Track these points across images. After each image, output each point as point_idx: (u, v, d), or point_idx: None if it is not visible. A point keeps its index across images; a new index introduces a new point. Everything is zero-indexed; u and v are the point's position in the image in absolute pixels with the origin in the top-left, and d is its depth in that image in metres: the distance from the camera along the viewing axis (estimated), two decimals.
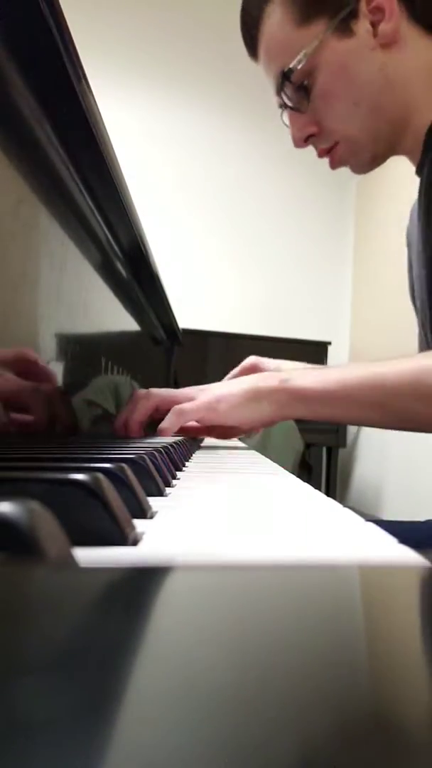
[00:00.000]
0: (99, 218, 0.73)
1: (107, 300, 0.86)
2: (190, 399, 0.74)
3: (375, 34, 0.74)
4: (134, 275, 0.98)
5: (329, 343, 2.67)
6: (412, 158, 0.82)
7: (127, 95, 2.66)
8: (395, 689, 0.08)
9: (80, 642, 0.09)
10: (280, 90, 0.78)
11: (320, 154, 0.83)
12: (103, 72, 2.29)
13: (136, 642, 0.09)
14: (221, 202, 2.88)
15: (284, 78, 0.76)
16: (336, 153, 0.82)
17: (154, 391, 0.77)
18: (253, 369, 0.87)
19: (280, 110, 0.83)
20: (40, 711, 0.07)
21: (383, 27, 0.74)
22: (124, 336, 1.03)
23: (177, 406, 0.73)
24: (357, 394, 0.68)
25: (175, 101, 2.80)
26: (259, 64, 0.82)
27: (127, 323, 1.05)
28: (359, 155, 0.81)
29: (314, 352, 2.59)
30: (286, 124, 0.84)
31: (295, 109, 0.79)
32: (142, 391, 0.78)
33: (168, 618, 0.11)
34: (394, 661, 0.10)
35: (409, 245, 0.97)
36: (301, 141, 0.82)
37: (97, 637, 0.10)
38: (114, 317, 0.92)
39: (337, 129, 0.79)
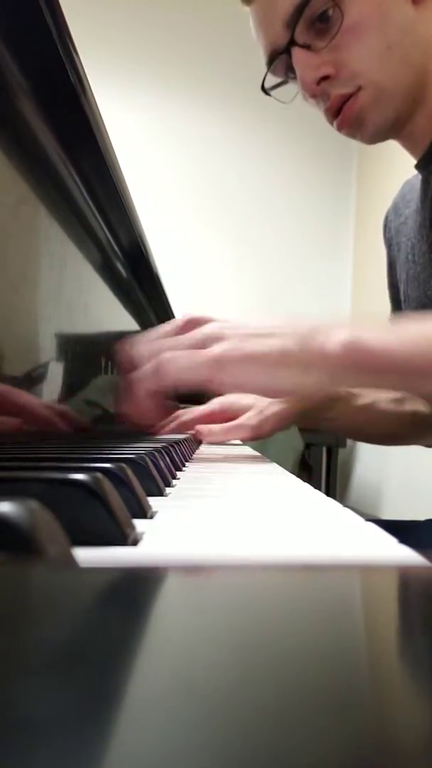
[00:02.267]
0: (99, 218, 0.73)
1: (107, 300, 0.86)
2: (200, 346, 0.53)
3: None
4: (134, 275, 0.98)
5: None
6: (414, 144, 0.74)
7: (127, 95, 2.66)
8: (396, 689, 0.08)
9: (80, 642, 0.09)
10: (294, 20, 0.66)
11: (333, 103, 0.69)
12: (104, 71, 2.29)
13: (136, 642, 0.09)
14: (221, 202, 2.88)
15: (306, 3, 0.64)
16: (356, 102, 0.68)
17: (153, 342, 0.56)
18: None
19: (267, 65, 0.71)
20: (40, 711, 0.07)
21: None
22: (124, 336, 1.03)
23: (160, 354, 0.53)
24: None
25: (175, 101, 2.80)
26: (253, 4, 0.69)
27: (127, 323, 1.05)
28: (381, 108, 0.68)
29: None
30: (266, 90, 0.73)
31: (306, 47, 0.67)
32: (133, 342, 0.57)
33: (168, 618, 0.11)
34: (395, 661, 0.10)
35: (390, 243, 0.93)
36: (314, 83, 0.68)
37: (96, 637, 0.10)
38: (114, 317, 0.92)
39: (366, 70, 0.67)
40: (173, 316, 1.41)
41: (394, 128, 0.71)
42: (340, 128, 0.71)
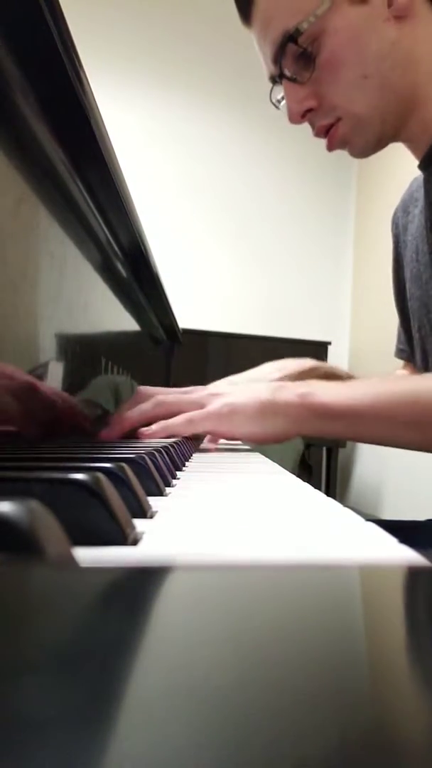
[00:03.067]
0: (99, 218, 0.73)
1: (107, 300, 0.86)
2: (200, 406, 0.68)
3: (390, 4, 0.68)
4: (134, 275, 0.98)
5: (329, 343, 2.67)
6: (414, 147, 0.76)
7: (127, 95, 2.66)
8: (396, 689, 0.08)
9: (80, 642, 0.09)
10: (278, 57, 0.70)
11: (318, 132, 0.75)
12: (104, 71, 2.29)
13: (136, 642, 0.09)
14: (221, 202, 2.88)
15: (287, 42, 0.69)
16: (337, 131, 0.73)
17: (161, 397, 0.71)
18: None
19: (271, 85, 0.76)
20: (40, 711, 0.07)
21: None
22: (124, 336, 1.03)
23: (187, 415, 0.67)
24: (392, 411, 0.61)
25: (175, 101, 2.80)
26: (252, 29, 0.74)
27: (127, 323, 1.05)
28: (363, 135, 0.73)
29: (314, 352, 2.58)
30: (274, 104, 0.78)
31: (293, 80, 0.71)
32: (147, 390, 0.73)
33: (168, 618, 0.11)
34: (395, 661, 0.10)
35: (397, 240, 0.93)
36: (298, 116, 0.74)
37: (97, 637, 0.10)
38: (114, 317, 0.92)
39: (342, 103, 0.71)
40: (173, 316, 1.41)
41: (381, 143, 0.75)
42: (328, 150, 0.77)
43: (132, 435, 0.71)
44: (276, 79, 0.74)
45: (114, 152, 0.63)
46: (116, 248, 0.84)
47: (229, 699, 0.07)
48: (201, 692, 0.08)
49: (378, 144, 0.74)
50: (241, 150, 2.91)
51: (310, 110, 0.73)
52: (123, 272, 0.92)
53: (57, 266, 0.61)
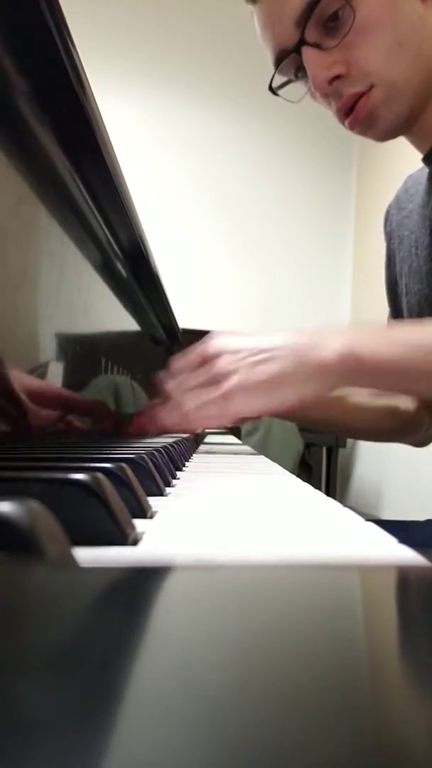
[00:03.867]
0: (99, 218, 0.73)
1: (107, 300, 0.86)
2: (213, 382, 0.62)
3: None
4: (134, 275, 0.98)
5: None
6: (421, 139, 0.74)
7: (127, 94, 2.66)
8: (396, 689, 0.08)
9: (80, 642, 0.09)
10: (303, 20, 0.66)
11: (346, 102, 0.69)
12: (103, 71, 2.29)
13: (136, 642, 0.09)
14: (221, 201, 2.88)
15: (316, 3, 0.64)
16: (368, 100, 0.68)
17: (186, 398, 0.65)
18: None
19: (275, 66, 0.71)
20: (39, 711, 0.07)
21: None
22: (124, 336, 1.03)
23: (183, 403, 0.63)
24: None
25: (175, 100, 2.80)
26: (259, 4, 0.69)
27: (127, 323, 1.05)
28: (395, 106, 0.68)
29: None
30: (272, 90, 0.74)
31: (317, 46, 0.67)
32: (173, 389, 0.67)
33: (168, 618, 0.11)
34: (395, 660, 0.10)
35: (390, 236, 0.92)
36: (326, 82, 0.68)
37: (96, 637, 0.10)
38: (114, 317, 0.92)
39: (378, 69, 0.67)
40: (173, 316, 1.41)
41: (406, 125, 0.71)
42: (352, 127, 0.71)
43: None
44: (289, 52, 0.68)
45: (114, 152, 0.63)
46: (116, 248, 0.84)
47: (229, 699, 0.07)
48: (201, 692, 0.08)
49: (406, 121, 0.70)
50: (242, 149, 2.91)
51: (337, 77, 0.68)
52: (123, 272, 0.92)
53: (57, 266, 0.61)
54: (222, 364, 0.62)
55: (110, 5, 2.68)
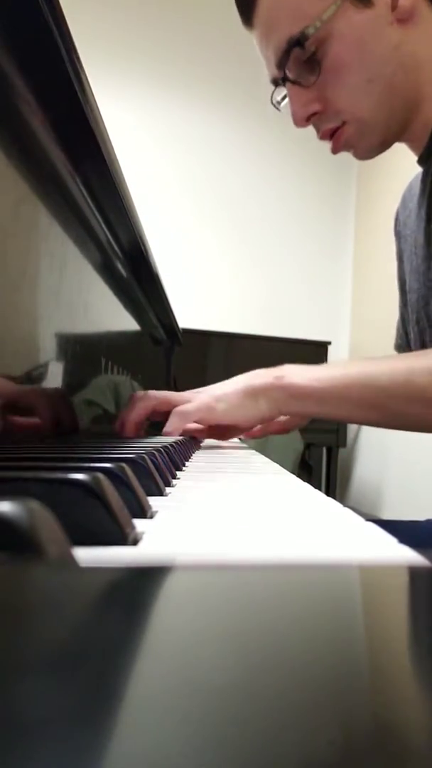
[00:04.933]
0: (99, 218, 0.73)
1: (107, 300, 0.86)
2: (187, 401, 0.75)
3: (393, 7, 0.69)
4: (134, 275, 0.98)
5: (329, 343, 2.67)
6: (414, 146, 0.77)
7: (127, 95, 2.66)
8: (396, 689, 0.08)
9: (80, 642, 0.09)
10: (282, 61, 0.70)
11: (323, 136, 0.75)
12: (104, 72, 2.29)
13: (136, 642, 0.09)
14: (221, 202, 2.88)
15: (292, 46, 0.69)
16: (342, 135, 0.74)
17: (152, 393, 0.77)
18: None
19: (272, 87, 0.76)
20: (39, 711, 0.07)
21: (402, 1, 0.68)
22: (124, 336, 1.03)
23: (177, 408, 0.74)
24: (351, 393, 0.68)
25: (175, 101, 2.80)
26: (255, 30, 0.73)
27: (127, 323, 1.05)
28: (368, 138, 0.74)
29: (314, 352, 2.59)
30: (275, 105, 0.78)
31: (297, 84, 0.71)
32: (140, 393, 0.79)
33: (168, 618, 0.11)
34: (395, 660, 0.10)
35: (399, 236, 0.93)
36: (303, 120, 0.73)
37: (97, 636, 0.10)
38: (114, 317, 0.92)
39: (347, 107, 0.71)
40: (173, 316, 1.41)
41: (385, 145, 0.76)
42: (333, 152, 0.77)
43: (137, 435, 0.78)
44: (279, 81, 0.74)
45: (114, 152, 0.63)
46: (116, 248, 0.84)
47: (230, 699, 0.07)
48: (201, 692, 0.08)
49: (382, 146, 0.75)
50: (241, 150, 2.91)
51: (315, 114, 0.73)
52: (123, 272, 0.92)
53: (57, 266, 0.61)
54: (188, 393, 0.78)
55: (110, 5, 2.68)
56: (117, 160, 0.65)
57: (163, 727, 0.07)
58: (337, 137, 0.74)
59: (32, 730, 0.06)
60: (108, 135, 0.60)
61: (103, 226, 0.75)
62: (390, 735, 0.07)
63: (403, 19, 0.69)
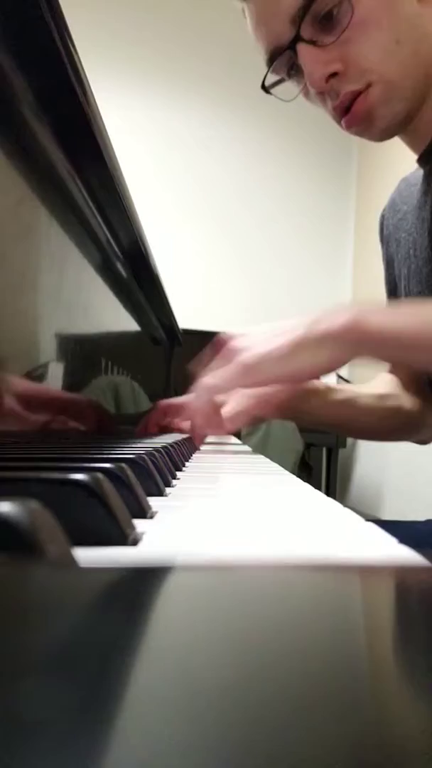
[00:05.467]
0: (99, 218, 0.73)
1: (107, 300, 0.86)
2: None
3: None
4: (134, 275, 0.98)
5: None
6: (416, 141, 0.74)
7: (127, 95, 2.66)
8: (396, 690, 0.08)
9: (80, 642, 0.09)
10: (300, 16, 0.65)
11: (342, 101, 0.68)
12: (103, 72, 2.29)
13: (136, 642, 0.09)
14: (222, 202, 2.88)
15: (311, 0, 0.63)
16: (367, 98, 0.67)
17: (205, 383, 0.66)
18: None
19: (268, 64, 0.70)
20: (40, 711, 0.07)
21: None
22: (124, 336, 1.03)
23: (203, 380, 0.64)
24: None
25: (174, 101, 2.80)
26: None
27: (127, 323, 1.05)
28: (393, 104, 0.67)
29: None
30: (265, 89, 0.73)
31: (313, 43, 0.65)
32: (167, 401, 0.78)
33: (168, 618, 0.11)
34: (395, 660, 0.10)
35: (387, 240, 0.92)
36: (322, 79, 0.66)
37: (97, 637, 0.10)
38: (114, 317, 0.92)
39: (375, 66, 0.65)
40: (173, 316, 1.41)
41: (404, 124, 0.70)
42: (348, 126, 0.70)
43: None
44: (283, 49, 0.67)
45: (114, 152, 0.63)
46: (116, 248, 0.84)
47: (230, 699, 0.07)
48: (201, 692, 0.08)
49: (404, 120, 0.70)
50: (242, 150, 2.91)
51: (335, 74, 0.66)
52: (123, 272, 0.92)
53: (57, 266, 0.61)
54: (237, 342, 0.65)
55: (110, 5, 2.68)
56: (117, 160, 0.65)
57: (164, 727, 0.07)
58: (359, 102, 0.67)
59: (32, 731, 0.06)
60: (108, 135, 0.60)
61: (103, 226, 0.75)
62: (390, 735, 0.07)
63: None
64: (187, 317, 1.94)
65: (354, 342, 0.59)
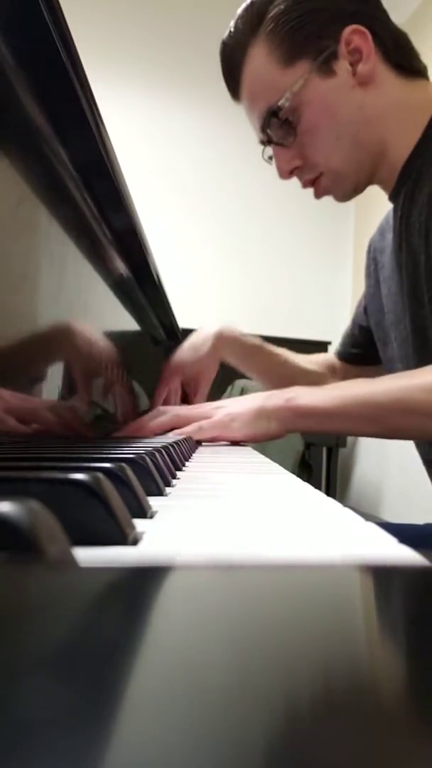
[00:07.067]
0: (99, 218, 0.73)
1: (107, 300, 0.86)
2: (207, 416, 0.85)
3: (354, 74, 0.80)
4: (134, 275, 0.98)
5: (329, 343, 2.66)
6: (385, 187, 0.88)
7: (125, 96, 2.66)
8: (395, 689, 0.08)
9: (80, 642, 0.09)
10: (265, 127, 0.84)
11: (305, 185, 0.89)
12: (102, 72, 2.29)
13: (136, 642, 0.09)
14: (221, 202, 2.88)
15: (270, 116, 0.82)
16: (320, 183, 0.87)
17: (175, 410, 0.88)
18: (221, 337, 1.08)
19: (262, 147, 0.89)
20: (40, 711, 0.07)
21: (361, 67, 0.79)
22: (124, 336, 1.03)
23: (197, 423, 0.84)
24: (352, 411, 0.76)
25: (174, 101, 2.80)
26: (242, 104, 0.87)
27: (127, 323, 1.05)
28: (342, 185, 0.86)
29: (314, 352, 2.57)
30: (266, 160, 0.91)
31: (279, 144, 0.85)
32: (164, 408, 0.89)
33: (168, 618, 0.11)
34: (394, 660, 0.10)
35: (374, 262, 1.00)
36: (287, 173, 0.88)
37: (97, 636, 0.10)
38: (114, 317, 0.92)
39: (321, 161, 0.84)
40: (173, 316, 1.41)
41: (359, 189, 0.88)
42: (316, 197, 0.91)
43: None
44: (264, 144, 0.88)
45: (114, 152, 0.63)
46: (116, 248, 0.84)
47: (229, 699, 0.07)
48: (201, 692, 0.08)
49: (355, 190, 0.88)
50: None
51: (296, 168, 0.87)
52: (123, 272, 0.92)
53: (57, 266, 0.61)
54: (207, 408, 0.88)
55: (110, 7, 2.68)
56: (117, 160, 0.65)
57: (164, 727, 0.07)
58: (316, 185, 0.88)
59: (32, 731, 0.06)
60: (108, 135, 0.60)
61: (103, 225, 0.75)
62: (390, 734, 0.07)
63: (364, 82, 0.80)
64: (187, 317, 1.94)
65: (288, 416, 0.79)
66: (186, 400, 1.12)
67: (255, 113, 0.85)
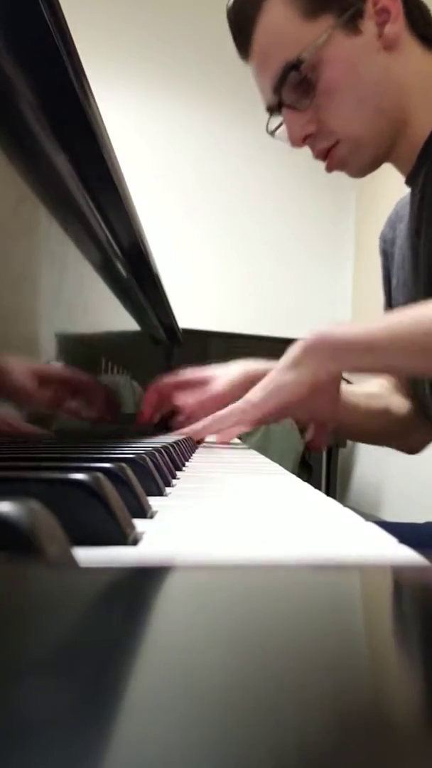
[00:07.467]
0: (99, 218, 0.73)
1: (107, 300, 0.86)
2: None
3: (380, 35, 0.74)
4: (134, 275, 0.98)
5: None
6: (402, 166, 0.82)
7: (125, 96, 2.66)
8: (395, 689, 0.08)
9: (80, 642, 0.09)
10: (279, 86, 0.76)
11: (318, 155, 0.81)
12: (102, 73, 2.29)
13: (136, 642, 0.09)
14: (221, 202, 2.88)
15: (288, 71, 0.74)
16: (336, 153, 0.79)
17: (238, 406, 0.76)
18: (247, 377, 0.82)
19: (268, 114, 0.82)
20: (40, 711, 0.07)
21: (388, 29, 0.74)
22: (124, 336, 1.03)
23: (215, 414, 0.77)
24: (404, 339, 0.64)
25: (175, 101, 2.80)
26: (251, 62, 0.79)
27: (127, 323, 1.05)
28: (360, 156, 0.79)
29: None
30: (269, 133, 0.84)
31: (292, 107, 0.77)
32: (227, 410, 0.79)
33: (168, 618, 0.11)
34: (394, 660, 0.10)
35: (385, 255, 0.97)
36: (300, 140, 0.79)
37: (97, 637, 0.10)
38: (114, 317, 0.92)
39: (340, 127, 0.77)
40: (173, 316, 1.41)
41: (376, 163, 0.81)
42: (328, 170, 0.82)
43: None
44: (274, 109, 0.79)
45: (114, 152, 0.63)
46: (116, 248, 0.84)
47: (229, 699, 0.07)
48: (201, 692, 0.08)
49: (373, 164, 0.80)
50: (241, 150, 2.91)
51: (309, 135, 0.78)
52: (123, 272, 0.92)
53: (57, 266, 0.61)
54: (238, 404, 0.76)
55: (110, 7, 2.68)
56: (117, 160, 0.65)
57: (163, 727, 0.07)
58: (331, 155, 0.79)
59: (32, 731, 0.06)
60: (108, 135, 0.60)
61: (103, 226, 0.75)
62: (390, 735, 0.07)
63: (390, 46, 0.74)
64: (187, 317, 1.94)
65: (325, 353, 0.68)
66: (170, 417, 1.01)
67: (267, 72, 0.77)
